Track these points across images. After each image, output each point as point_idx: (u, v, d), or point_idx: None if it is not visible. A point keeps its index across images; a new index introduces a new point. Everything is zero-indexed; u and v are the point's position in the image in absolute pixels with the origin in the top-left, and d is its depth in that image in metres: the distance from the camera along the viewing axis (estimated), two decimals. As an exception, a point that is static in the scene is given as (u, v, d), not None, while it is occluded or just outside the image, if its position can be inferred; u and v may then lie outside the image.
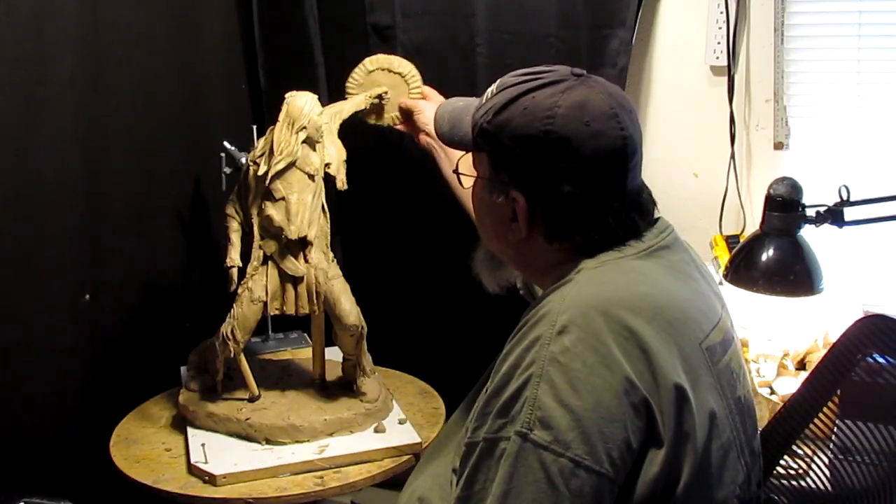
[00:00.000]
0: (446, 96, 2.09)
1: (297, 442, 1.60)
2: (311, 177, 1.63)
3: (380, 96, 1.77)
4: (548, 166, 1.07)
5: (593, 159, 1.07)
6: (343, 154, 1.71)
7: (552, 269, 1.11)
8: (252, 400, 1.68)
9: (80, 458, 1.71)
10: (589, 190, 1.08)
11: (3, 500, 1.24)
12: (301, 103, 1.60)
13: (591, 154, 1.06)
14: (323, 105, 1.67)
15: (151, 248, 1.93)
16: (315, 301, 1.65)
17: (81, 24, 1.68)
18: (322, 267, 1.65)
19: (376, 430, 1.64)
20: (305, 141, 1.61)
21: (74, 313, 1.72)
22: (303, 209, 1.61)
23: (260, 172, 1.60)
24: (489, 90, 1.17)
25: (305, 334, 2.13)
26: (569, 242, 1.11)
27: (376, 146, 2.17)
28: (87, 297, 1.74)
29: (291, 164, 1.60)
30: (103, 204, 1.77)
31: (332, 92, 2.13)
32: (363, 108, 1.76)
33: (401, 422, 1.67)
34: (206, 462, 1.53)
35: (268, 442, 1.60)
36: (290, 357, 1.97)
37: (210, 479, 1.50)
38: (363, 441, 1.61)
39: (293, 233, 1.60)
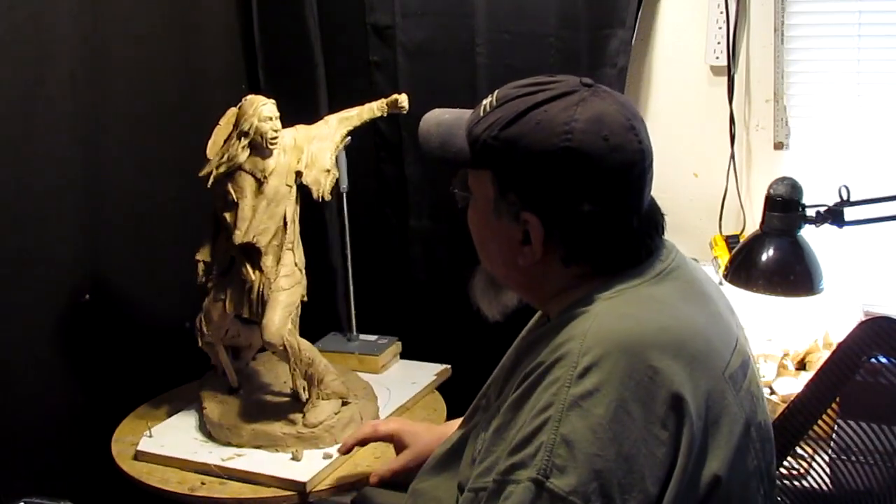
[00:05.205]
0: (447, 96, 2.10)
1: (229, 444, 1.60)
2: (261, 182, 1.58)
3: (394, 102, 1.71)
4: (566, 185, 1.01)
5: (613, 175, 1.01)
6: (327, 164, 1.63)
7: (562, 293, 1.06)
8: (232, 391, 1.70)
9: (80, 458, 1.71)
10: (609, 207, 1.02)
11: (3, 500, 1.24)
12: (250, 108, 1.56)
13: (611, 169, 1.00)
14: (332, 110, 1.62)
15: (151, 248, 1.93)
16: (256, 310, 1.61)
17: (81, 23, 1.68)
18: (271, 277, 1.60)
19: (292, 457, 1.56)
20: (254, 146, 1.56)
21: (74, 313, 1.72)
22: (251, 215, 1.58)
23: (202, 173, 1.58)
24: (485, 102, 1.07)
25: (398, 341, 2.04)
26: (588, 264, 1.05)
27: (376, 146, 2.17)
28: (87, 297, 1.74)
29: (237, 169, 1.57)
30: (103, 204, 1.77)
31: (332, 92, 2.13)
32: (377, 115, 1.71)
33: (325, 457, 1.55)
34: (150, 436, 1.61)
35: (209, 438, 1.62)
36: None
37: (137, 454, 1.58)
38: (262, 462, 1.55)
39: (237, 238, 1.57)
